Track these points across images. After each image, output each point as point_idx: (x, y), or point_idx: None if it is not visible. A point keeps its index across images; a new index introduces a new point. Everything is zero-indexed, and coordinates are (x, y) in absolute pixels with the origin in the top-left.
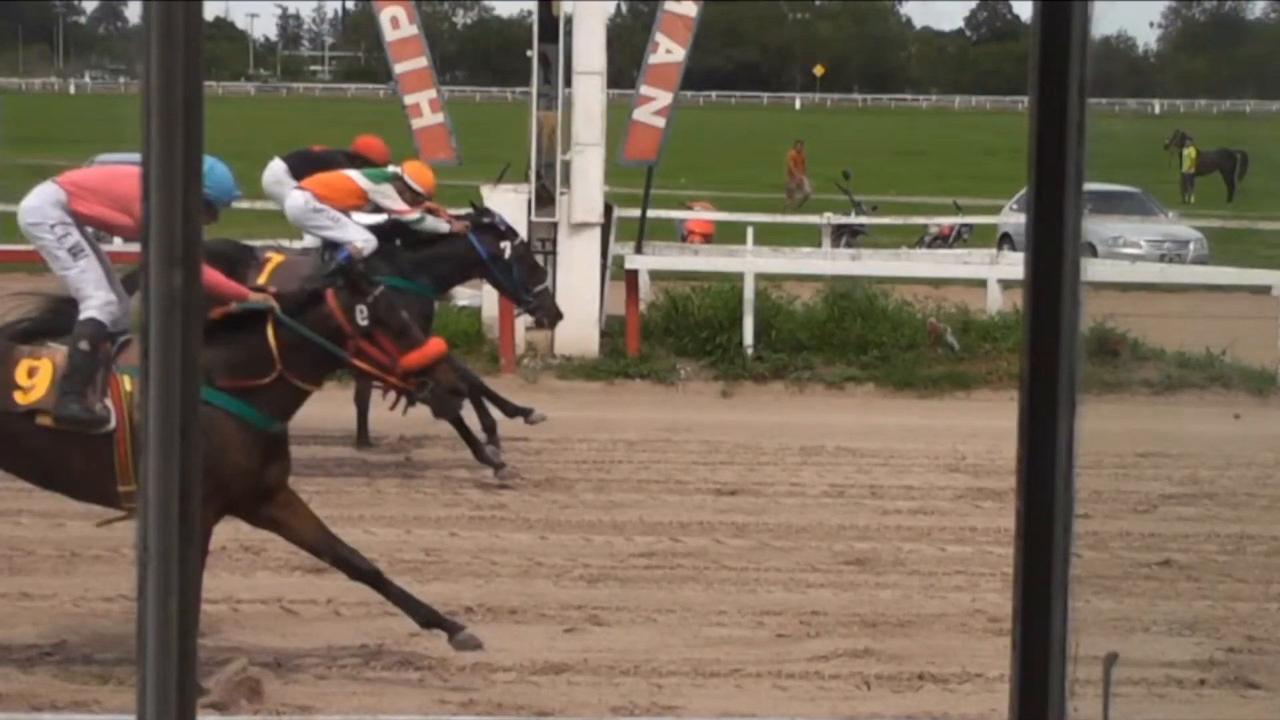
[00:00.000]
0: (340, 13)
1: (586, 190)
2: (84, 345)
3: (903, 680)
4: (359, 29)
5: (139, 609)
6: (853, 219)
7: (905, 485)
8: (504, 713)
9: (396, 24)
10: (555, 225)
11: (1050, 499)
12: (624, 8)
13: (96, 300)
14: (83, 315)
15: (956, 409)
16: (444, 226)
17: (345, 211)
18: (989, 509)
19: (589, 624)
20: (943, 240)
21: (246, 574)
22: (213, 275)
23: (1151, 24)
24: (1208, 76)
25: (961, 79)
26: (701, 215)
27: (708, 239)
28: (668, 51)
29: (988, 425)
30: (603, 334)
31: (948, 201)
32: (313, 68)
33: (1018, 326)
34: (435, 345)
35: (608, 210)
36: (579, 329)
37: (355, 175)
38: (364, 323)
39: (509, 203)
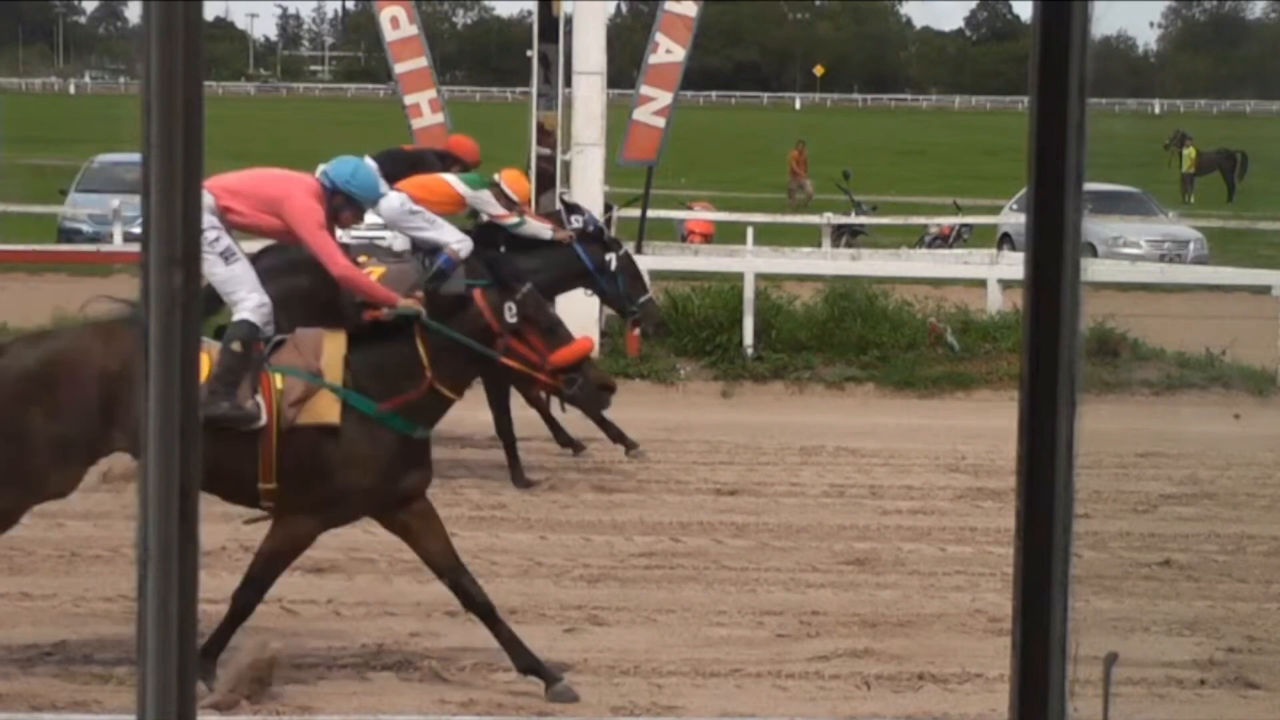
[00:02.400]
0: (340, 13)
1: (586, 190)
2: (236, 346)
3: (903, 680)
4: (359, 29)
5: (139, 609)
6: (853, 219)
7: (905, 485)
8: (504, 713)
9: (396, 24)
10: None
11: (1050, 499)
12: (624, 8)
13: (250, 302)
14: (236, 317)
15: (956, 409)
16: (545, 231)
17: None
18: (989, 509)
19: (589, 624)
20: (943, 240)
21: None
22: (365, 280)
23: (1151, 24)
24: (1208, 76)
25: (961, 79)
26: (701, 215)
27: (708, 239)
28: (668, 51)
29: (988, 425)
30: (603, 334)
31: (948, 201)
32: (313, 68)
33: (1018, 326)
34: (583, 342)
35: (608, 210)
36: (579, 329)
37: (453, 180)
38: (513, 320)
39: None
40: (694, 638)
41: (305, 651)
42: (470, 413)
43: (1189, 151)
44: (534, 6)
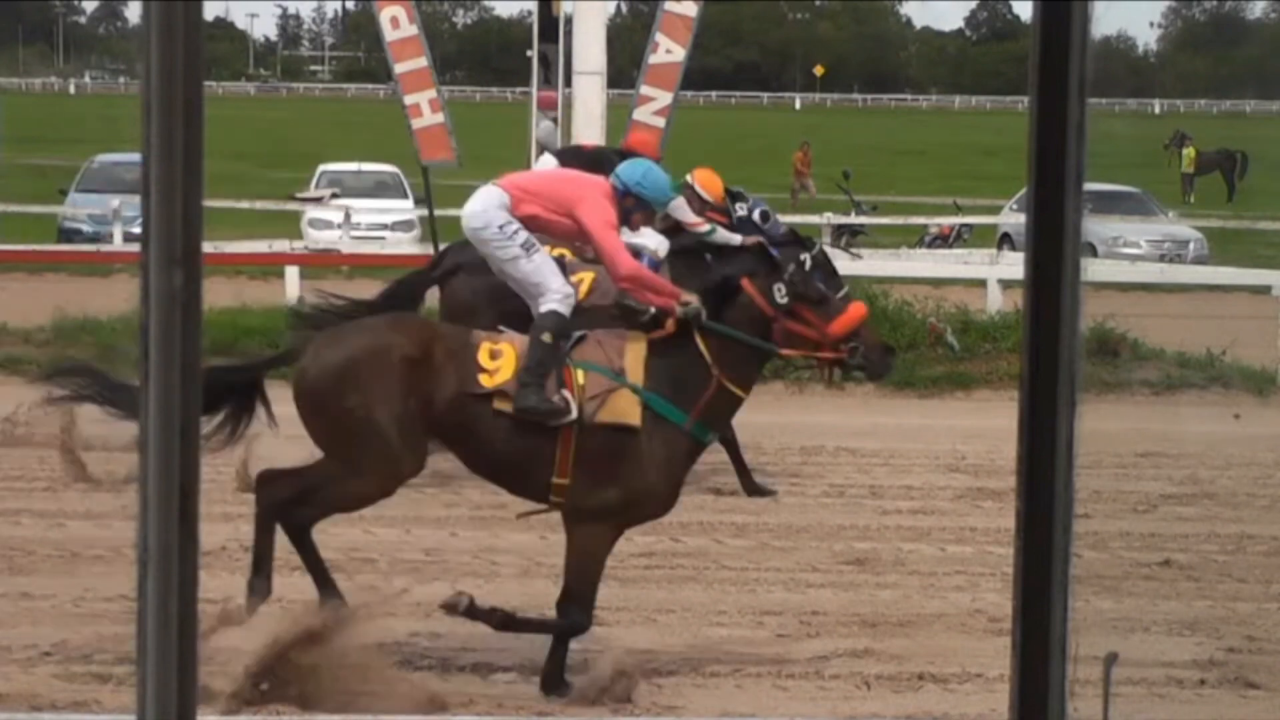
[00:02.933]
0: (340, 13)
1: None
2: (546, 337)
3: (903, 680)
4: (359, 29)
5: (139, 609)
6: (853, 219)
7: (905, 485)
8: (504, 713)
9: (396, 24)
10: None
11: (1050, 499)
12: (624, 8)
13: (557, 294)
14: (543, 308)
15: (956, 409)
16: (735, 239)
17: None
18: (989, 509)
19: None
20: (943, 240)
21: (246, 574)
22: (652, 278)
23: (1151, 24)
24: (1208, 76)
25: (961, 79)
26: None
27: None
28: (668, 51)
29: (988, 425)
30: None
31: (948, 201)
32: (313, 68)
33: (1018, 326)
34: (857, 307)
35: None
36: None
37: None
38: (784, 300)
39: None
40: (694, 638)
41: (305, 652)
42: None
43: (1189, 151)
44: (534, 6)
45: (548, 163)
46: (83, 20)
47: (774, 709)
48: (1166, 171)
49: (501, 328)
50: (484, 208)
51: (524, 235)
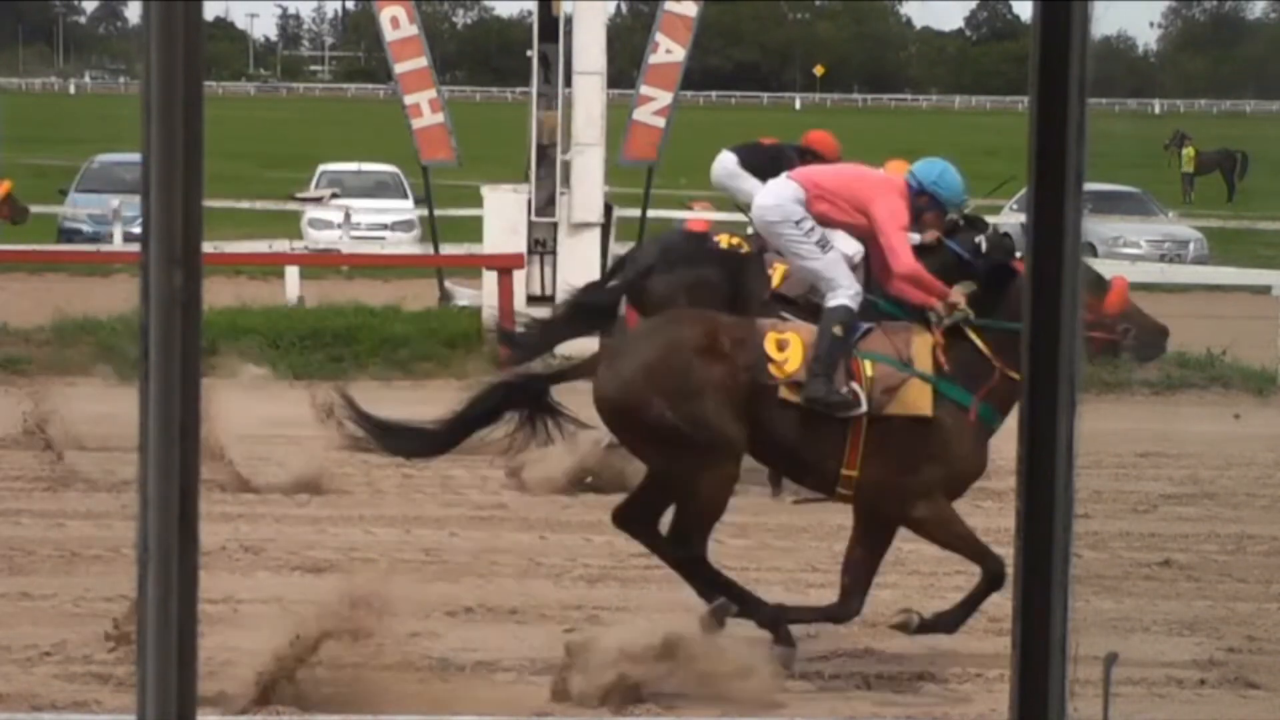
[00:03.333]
0: (340, 13)
1: (586, 190)
2: (836, 329)
3: (903, 680)
4: (359, 29)
5: (139, 609)
6: None
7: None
8: (504, 713)
9: (396, 24)
10: (555, 225)
11: (1050, 499)
12: (624, 8)
13: (847, 289)
14: (833, 302)
15: None
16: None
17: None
18: (989, 509)
19: (589, 624)
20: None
21: (246, 574)
22: (928, 277)
23: (1151, 24)
24: (1208, 76)
25: (961, 79)
26: (701, 215)
27: None
28: (668, 51)
29: None
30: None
31: None
32: (313, 68)
33: None
34: (1122, 283)
35: (608, 210)
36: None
37: None
38: None
39: (508, 203)
40: (694, 638)
41: (304, 651)
42: None
43: (1189, 151)
44: (534, 6)
45: (728, 160)
46: (83, 20)
47: (774, 709)
48: (1166, 171)
49: (785, 315)
50: (779, 201)
51: (819, 232)
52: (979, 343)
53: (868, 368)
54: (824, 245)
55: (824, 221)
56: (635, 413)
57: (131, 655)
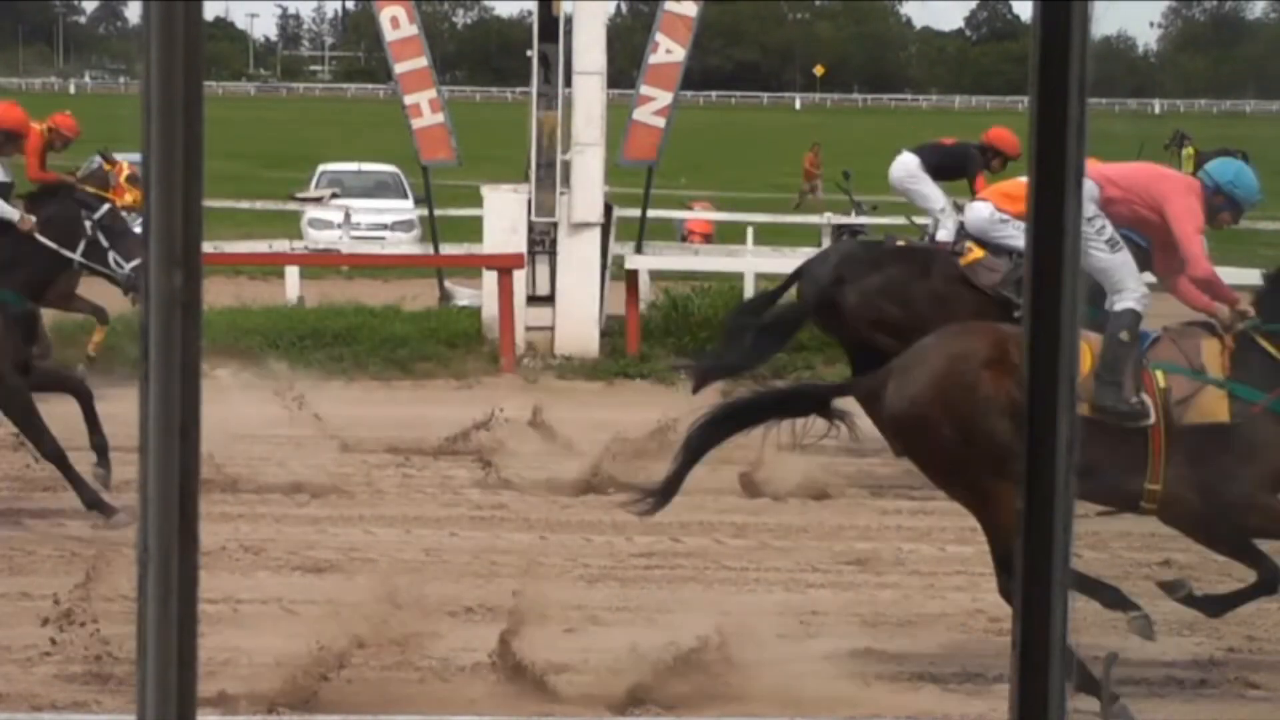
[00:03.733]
0: (340, 13)
1: (586, 190)
2: (1123, 335)
3: (903, 680)
4: (359, 29)
5: (139, 609)
6: (853, 219)
7: (905, 485)
8: (504, 713)
9: (396, 24)
10: (555, 225)
11: (1050, 499)
12: (624, 8)
13: (1134, 292)
14: (1120, 306)
15: None
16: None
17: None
18: None
19: (589, 624)
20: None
21: (246, 574)
22: (1221, 284)
23: (1151, 24)
24: (1208, 76)
25: (961, 79)
26: (701, 215)
27: (708, 239)
28: (668, 51)
29: None
30: (603, 334)
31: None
32: (313, 68)
33: None
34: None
35: (608, 210)
36: (579, 329)
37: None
38: None
39: (508, 203)
40: (694, 638)
41: (304, 652)
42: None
43: (1189, 151)
44: (534, 6)
45: (909, 162)
46: (83, 20)
47: (774, 709)
48: None
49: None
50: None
51: (1109, 230)
52: (1269, 348)
53: (1160, 378)
54: (1114, 246)
55: (1119, 218)
56: (925, 433)
57: (72, 637)
